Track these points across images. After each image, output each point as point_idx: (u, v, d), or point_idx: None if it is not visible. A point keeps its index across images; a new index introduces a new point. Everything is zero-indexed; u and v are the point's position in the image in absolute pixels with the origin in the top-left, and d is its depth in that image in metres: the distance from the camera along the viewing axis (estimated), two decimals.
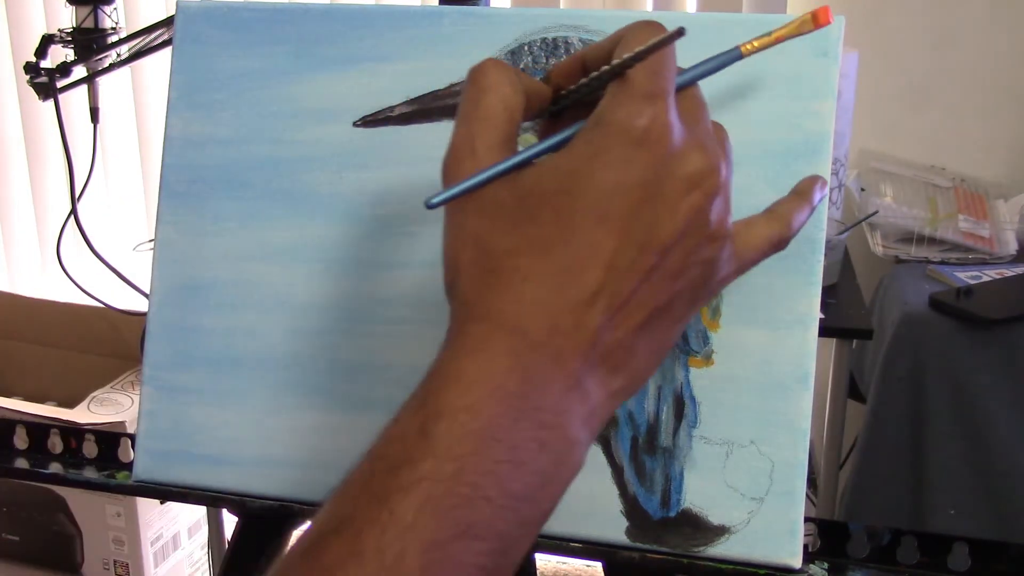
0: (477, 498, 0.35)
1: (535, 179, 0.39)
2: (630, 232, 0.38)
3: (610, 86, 0.39)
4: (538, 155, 0.40)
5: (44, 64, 1.22)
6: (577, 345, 0.38)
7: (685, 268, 0.39)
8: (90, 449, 0.67)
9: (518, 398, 0.37)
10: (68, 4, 1.21)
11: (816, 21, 0.45)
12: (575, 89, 0.43)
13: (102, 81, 1.26)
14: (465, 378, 0.37)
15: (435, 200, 0.39)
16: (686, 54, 0.53)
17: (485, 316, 0.38)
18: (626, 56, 0.38)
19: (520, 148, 0.40)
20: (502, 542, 0.36)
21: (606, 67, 0.40)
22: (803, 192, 0.47)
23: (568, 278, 0.37)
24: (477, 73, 0.41)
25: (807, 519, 0.53)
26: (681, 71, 0.41)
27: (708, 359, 0.53)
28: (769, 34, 0.44)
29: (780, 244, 0.44)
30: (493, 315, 0.38)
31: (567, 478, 0.38)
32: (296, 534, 0.62)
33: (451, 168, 0.40)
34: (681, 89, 0.40)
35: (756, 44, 0.44)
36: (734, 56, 0.44)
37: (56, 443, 0.68)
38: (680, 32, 0.39)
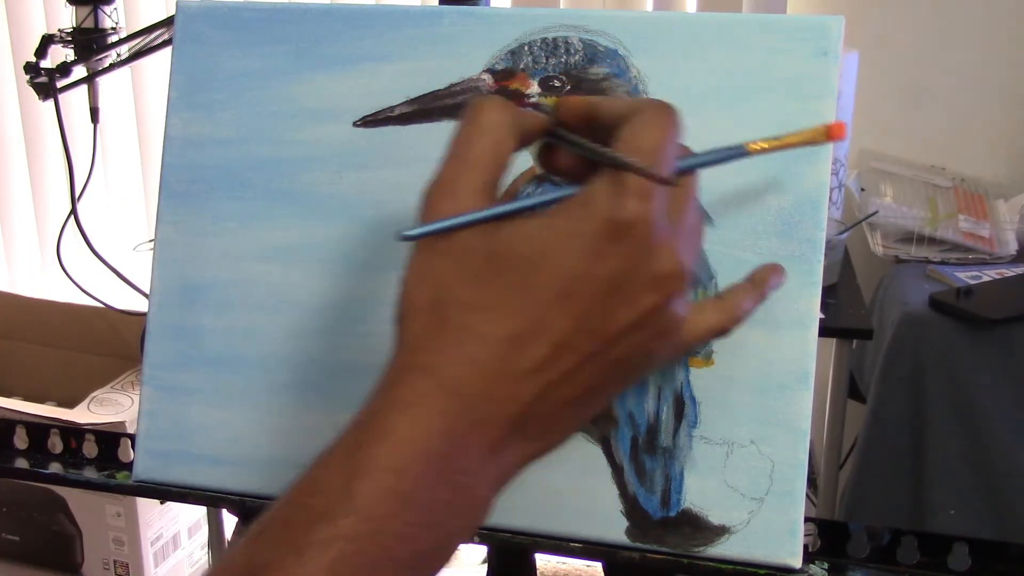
0: (386, 559, 0.36)
1: (509, 240, 0.38)
2: (586, 318, 0.38)
3: (607, 169, 0.39)
4: (520, 211, 0.39)
5: (44, 64, 1.22)
6: (506, 414, 0.38)
7: (627, 358, 0.40)
8: (90, 449, 0.67)
9: (442, 460, 0.37)
10: (68, 4, 1.21)
11: (829, 135, 0.45)
12: (572, 143, 0.43)
13: (102, 81, 1.26)
14: (396, 435, 0.37)
15: (408, 234, 0.39)
16: (688, 55, 0.54)
17: (425, 367, 0.38)
18: (630, 161, 0.38)
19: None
20: None
21: (608, 151, 0.39)
22: (759, 282, 0.47)
23: (514, 348, 0.38)
24: (476, 111, 0.40)
25: (807, 519, 0.53)
26: (688, 157, 0.41)
27: (708, 359, 0.53)
28: (779, 138, 0.44)
29: (723, 333, 0.45)
30: (433, 369, 0.38)
31: (467, 537, 0.39)
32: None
33: (431, 204, 0.39)
34: (680, 177, 0.40)
35: (765, 145, 0.44)
36: (739, 153, 0.43)
37: (56, 443, 0.68)
38: (672, 184, 0.39)
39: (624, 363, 0.40)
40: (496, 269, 0.38)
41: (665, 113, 0.40)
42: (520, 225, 0.39)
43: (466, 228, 0.39)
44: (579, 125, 0.43)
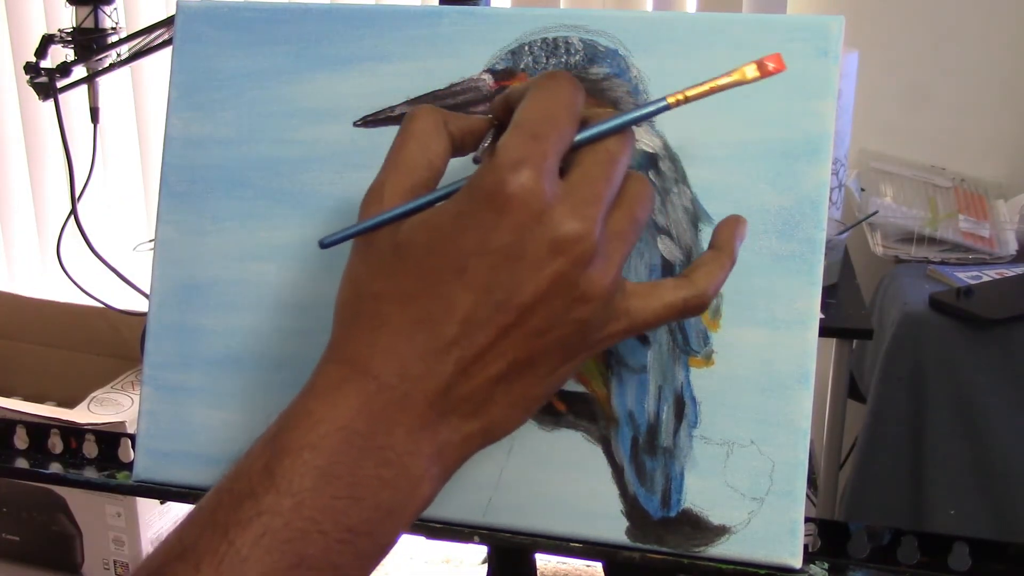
0: (313, 532, 0.37)
1: (409, 231, 0.40)
2: (489, 290, 0.39)
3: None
4: (426, 205, 0.41)
5: (44, 64, 1.22)
6: (425, 391, 0.39)
7: (551, 327, 0.40)
8: (90, 449, 0.67)
9: (363, 437, 0.38)
10: (68, 4, 1.21)
11: (763, 69, 0.42)
12: (491, 136, 0.44)
13: (102, 81, 1.26)
14: (313, 417, 0.39)
15: (327, 240, 0.42)
16: (688, 55, 0.54)
17: (343, 358, 0.40)
18: (481, 150, 0.41)
19: None
20: (337, 573, 0.38)
21: (488, 137, 0.42)
22: (722, 246, 0.46)
23: (424, 327, 0.39)
24: (407, 119, 0.43)
25: (807, 519, 0.53)
26: (603, 120, 0.41)
27: (708, 359, 0.53)
28: (702, 83, 0.42)
29: (689, 309, 0.44)
30: (349, 357, 0.40)
31: (412, 512, 0.40)
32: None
33: (361, 210, 0.42)
34: (592, 141, 0.40)
35: (688, 94, 0.42)
36: (660, 108, 0.42)
37: (56, 443, 0.68)
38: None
39: (550, 334, 0.40)
40: (400, 260, 0.40)
41: (545, 84, 0.41)
42: (419, 216, 0.40)
43: (380, 228, 0.41)
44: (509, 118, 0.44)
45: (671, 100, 0.42)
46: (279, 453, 0.38)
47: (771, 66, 0.42)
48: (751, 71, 0.42)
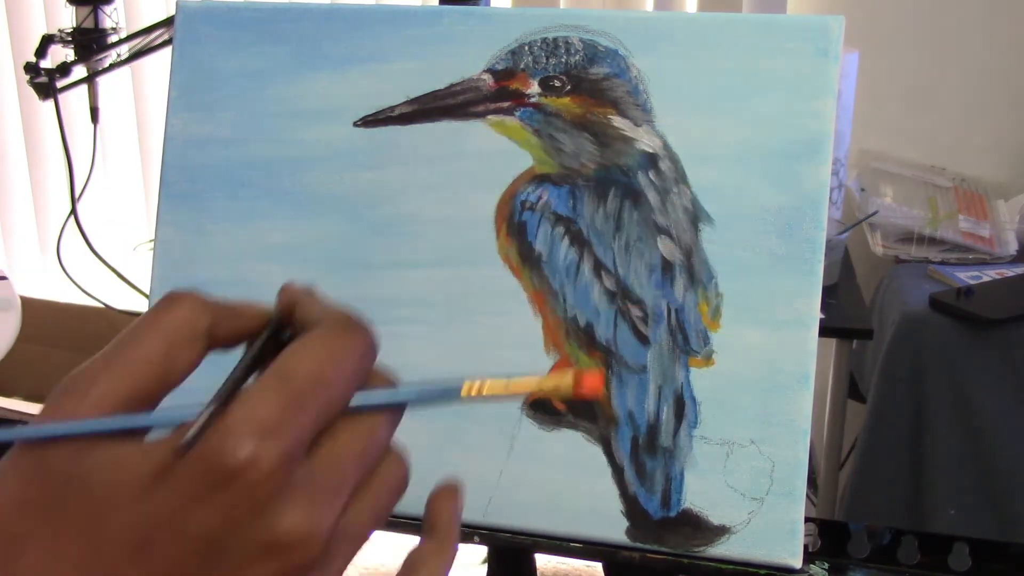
0: None
1: (96, 467, 0.30)
2: None
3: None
4: (136, 433, 0.31)
5: (44, 64, 1.22)
6: None
7: None
8: None
9: None
10: (68, 4, 1.21)
11: (579, 386, 0.33)
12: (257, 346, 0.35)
13: (102, 81, 1.26)
14: None
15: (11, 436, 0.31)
16: (688, 55, 0.54)
17: None
18: (202, 414, 0.30)
19: None
20: None
21: (254, 355, 0.34)
22: (442, 529, 0.35)
23: None
24: (163, 304, 0.34)
25: (807, 519, 0.53)
26: (381, 388, 0.33)
27: (708, 359, 0.53)
28: (504, 380, 0.34)
29: None
30: None
31: None
32: None
33: (53, 398, 0.32)
34: (356, 413, 0.32)
35: (484, 391, 0.33)
36: (450, 396, 0.33)
37: None
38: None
39: None
40: (66, 499, 0.30)
41: (334, 332, 0.34)
42: (119, 451, 0.30)
43: (61, 441, 0.30)
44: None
45: (464, 392, 0.34)
46: None
47: (586, 386, 0.33)
48: (566, 383, 0.33)
